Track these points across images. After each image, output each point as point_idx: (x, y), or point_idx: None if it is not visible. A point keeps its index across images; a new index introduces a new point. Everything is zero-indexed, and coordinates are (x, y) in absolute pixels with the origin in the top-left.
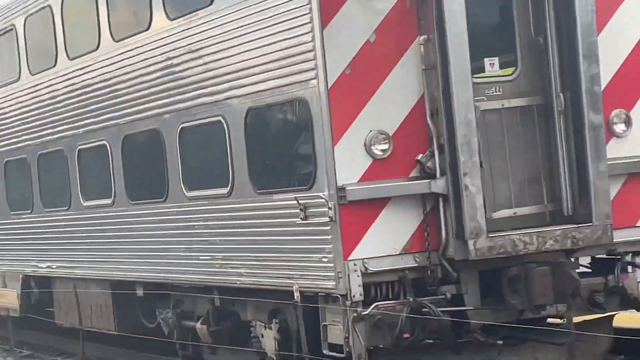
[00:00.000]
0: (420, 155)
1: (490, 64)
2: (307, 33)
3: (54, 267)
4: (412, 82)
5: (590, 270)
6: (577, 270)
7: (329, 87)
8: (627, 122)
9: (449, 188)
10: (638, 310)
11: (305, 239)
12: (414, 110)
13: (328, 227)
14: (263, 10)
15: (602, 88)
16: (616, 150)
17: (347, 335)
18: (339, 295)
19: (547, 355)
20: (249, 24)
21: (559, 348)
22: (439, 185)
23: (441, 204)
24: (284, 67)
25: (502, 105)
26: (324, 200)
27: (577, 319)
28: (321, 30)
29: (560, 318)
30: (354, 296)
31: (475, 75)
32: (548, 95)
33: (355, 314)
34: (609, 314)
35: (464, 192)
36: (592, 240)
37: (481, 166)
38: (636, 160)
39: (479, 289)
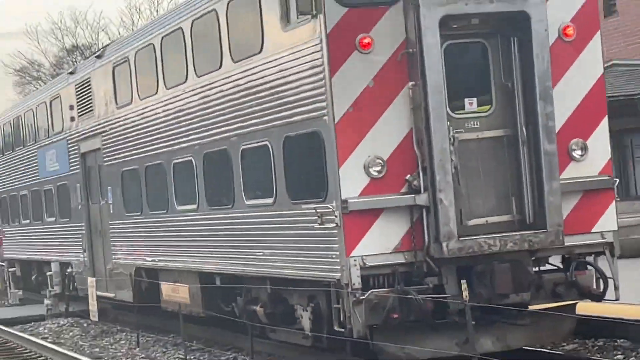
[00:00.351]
0: (409, 176)
1: (469, 103)
2: (320, 80)
3: (157, 260)
4: (402, 119)
5: (559, 267)
6: (544, 267)
7: (335, 122)
8: (584, 149)
9: (430, 201)
10: (593, 301)
11: (322, 239)
12: (404, 140)
13: (335, 231)
14: (292, 60)
15: (564, 122)
16: (575, 171)
17: (349, 315)
18: (343, 284)
19: (515, 335)
20: (283, 70)
21: (525, 328)
22: (422, 199)
23: (424, 213)
24: (306, 105)
25: (477, 135)
26: (332, 209)
27: (543, 306)
28: (330, 78)
29: (526, 305)
30: (353, 284)
31: (456, 112)
32: (515, 128)
33: (354, 299)
34: (571, 302)
35: (439, 204)
36: (547, 243)
37: (458, 183)
38: (590, 179)
39: (456, 280)
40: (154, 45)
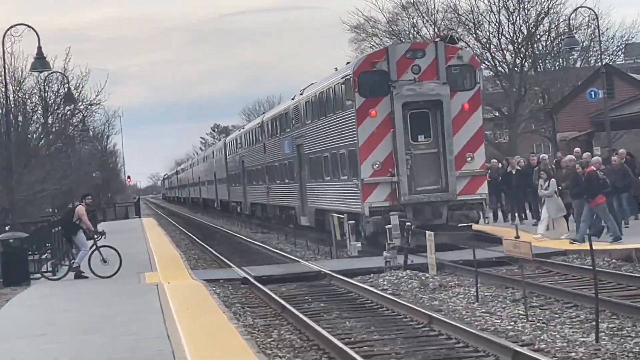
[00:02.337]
0: (390, 169)
1: (420, 137)
2: (353, 129)
3: (320, 204)
4: (389, 145)
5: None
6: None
7: (359, 146)
8: (472, 157)
9: (398, 180)
10: (475, 223)
11: (357, 195)
12: (389, 154)
13: (359, 191)
14: (348, 117)
15: (462, 145)
16: (468, 167)
17: (363, 227)
18: (362, 214)
19: (440, 237)
20: (347, 120)
21: (445, 235)
22: (395, 179)
23: (397, 185)
24: (351, 137)
25: (424, 152)
26: (359, 183)
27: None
28: (357, 127)
29: (446, 224)
30: (367, 214)
31: (414, 142)
32: (438, 149)
33: (366, 220)
34: (469, 224)
35: (400, 182)
36: (449, 198)
37: (412, 172)
38: (475, 171)
39: (412, 213)
40: (317, 95)
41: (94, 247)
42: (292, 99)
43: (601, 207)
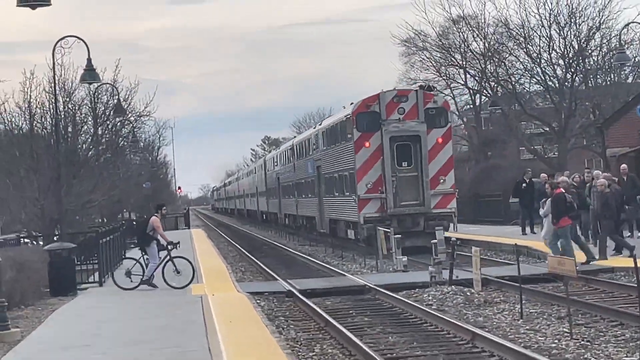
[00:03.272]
0: (380, 187)
1: (403, 163)
2: (352, 156)
3: (334, 215)
4: (379, 169)
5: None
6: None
7: (356, 170)
8: (444, 179)
9: (385, 196)
10: (447, 231)
11: (354, 207)
12: (379, 176)
13: (356, 204)
14: (349, 147)
15: (437, 170)
16: (440, 187)
17: (361, 231)
18: (358, 222)
19: (419, 239)
20: (349, 150)
21: (422, 238)
22: (383, 195)
23: (385, 200)
24: (350, 163)
25: (406, 175)
26: (356, 198)
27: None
28: (355, 155)
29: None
30: (362, 222)
31: (399, 167)
32: (417, 172)
33: (362, 226)
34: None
35: (387, 197)
36: (426, 210)
37: (397, 190)
38: (446, 190)
39: (397, 222)
40: (330, 127)
41: (168, 257)
42: (314, 127)
43: (564, 230)
